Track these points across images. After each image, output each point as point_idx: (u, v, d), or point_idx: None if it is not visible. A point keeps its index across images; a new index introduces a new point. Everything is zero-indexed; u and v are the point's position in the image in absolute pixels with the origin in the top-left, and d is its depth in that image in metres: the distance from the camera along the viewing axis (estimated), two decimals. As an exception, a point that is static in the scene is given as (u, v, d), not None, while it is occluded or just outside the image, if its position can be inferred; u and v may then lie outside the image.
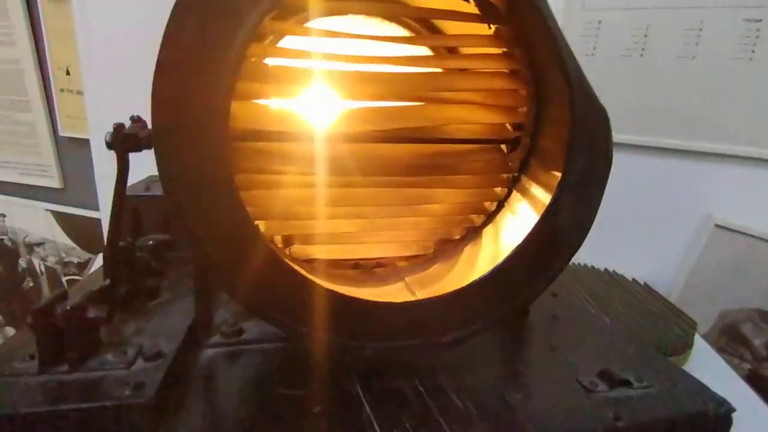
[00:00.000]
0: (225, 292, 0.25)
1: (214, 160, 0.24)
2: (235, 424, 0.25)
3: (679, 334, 0.50)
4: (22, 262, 1.40)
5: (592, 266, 0.68)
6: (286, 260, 0.27)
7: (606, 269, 0.67)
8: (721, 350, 0.71)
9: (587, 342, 0.35)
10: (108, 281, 0.31)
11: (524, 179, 0.35)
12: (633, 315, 0.53)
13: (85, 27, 0.98)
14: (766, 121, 0.65)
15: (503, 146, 0.36)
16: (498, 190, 0.37)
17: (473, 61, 0.34)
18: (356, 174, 0.33)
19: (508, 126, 0.35)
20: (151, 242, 0.41)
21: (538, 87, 0.32)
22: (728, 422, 0.28)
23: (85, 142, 1.17)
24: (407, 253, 0.39)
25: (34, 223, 1.32)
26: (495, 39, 0.33)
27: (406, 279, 0.36)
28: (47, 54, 1.14)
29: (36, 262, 1.38)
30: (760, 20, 0.62)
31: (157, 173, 0.24)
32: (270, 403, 0.27)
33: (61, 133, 1.20)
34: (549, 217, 0.27)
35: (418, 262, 0.39)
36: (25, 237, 1.35)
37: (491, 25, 0.32)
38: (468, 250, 0.37)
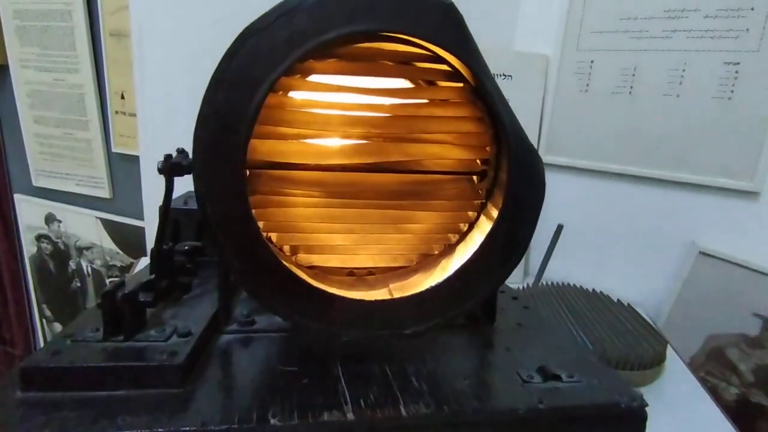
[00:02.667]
0: (240, 286, 0.33)
1: (236, 186, 0.32)
2: (242, 388, 0.33)
3: (647, 350, 0.55)
4: (72, 264, 1.54)
5: (581, 286, 0.73)
6: (286, 264, 0.35)
7: (594, 289, 0.72)
8: (708, 374, 0.73)
9: (539, 346, 0.41)
10: (153, 276, 0.40)
11: (489, 205, 0.42)
12: (607, 330, 0.58)
13: (141, 60, 1.12)
14: (743, 156, 0.69)
15: (474, 177, 0.43)
16: (470, 213, 0.44)
17: (448, 109, 0.42)
18: (351, 197, 0.41)
19: (477, 161, 0.43)
20: (186, 247, 0.50)
21: (498, 130, 0.39)
22: (642, 416, 0.33)
23: (132, 158, 1.31)
24: (394, 264, 0.46)
25: (85, 229, 1.46)
26: (464, 92, 0.40)
27: (390, 285, 0.43)
28: (106, 81, 1.30)
29: (84, 264, 1.52)
30: (738, 63, 0.67)
31: (193, 190, 0.32)
32: (270, 375, 0.35)
33: (113, 150, 1.35)
34: (493, 237, 0.34)
35: (403, 272, 0.46)
36: (76, 241, 1.50)
37: (461, 82, 0.40)
38: (444, 262, 0.44)
